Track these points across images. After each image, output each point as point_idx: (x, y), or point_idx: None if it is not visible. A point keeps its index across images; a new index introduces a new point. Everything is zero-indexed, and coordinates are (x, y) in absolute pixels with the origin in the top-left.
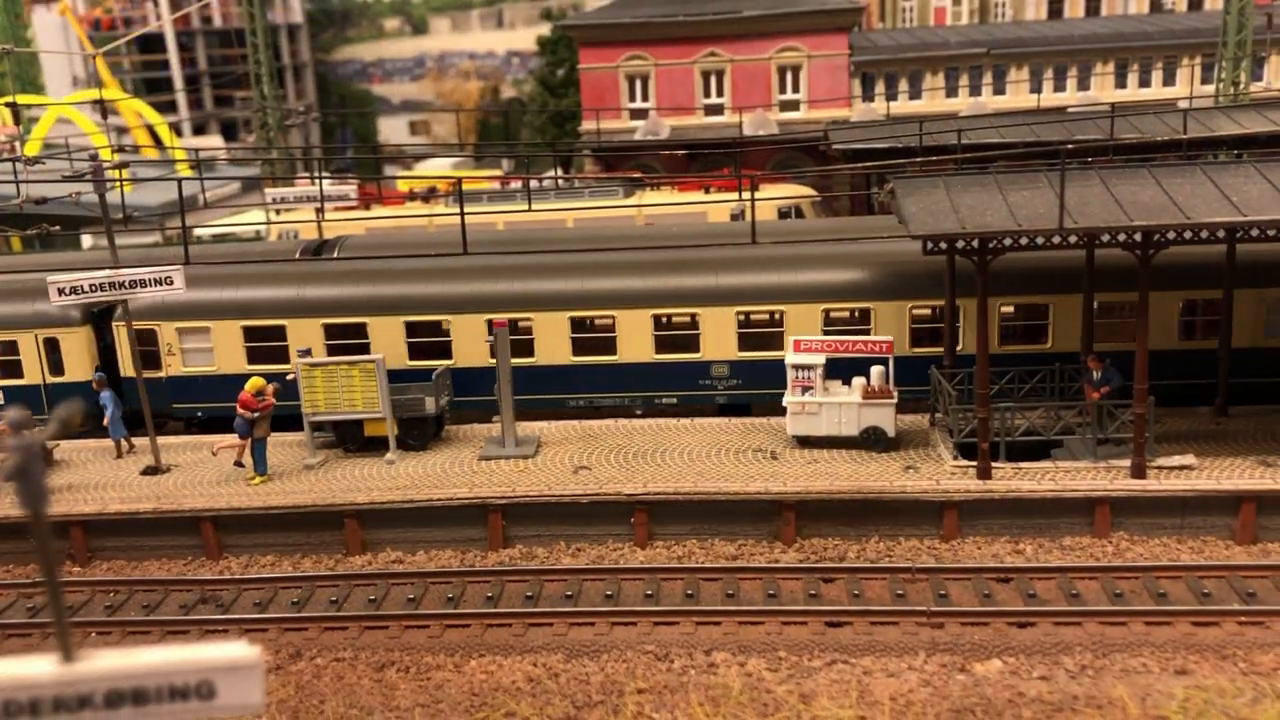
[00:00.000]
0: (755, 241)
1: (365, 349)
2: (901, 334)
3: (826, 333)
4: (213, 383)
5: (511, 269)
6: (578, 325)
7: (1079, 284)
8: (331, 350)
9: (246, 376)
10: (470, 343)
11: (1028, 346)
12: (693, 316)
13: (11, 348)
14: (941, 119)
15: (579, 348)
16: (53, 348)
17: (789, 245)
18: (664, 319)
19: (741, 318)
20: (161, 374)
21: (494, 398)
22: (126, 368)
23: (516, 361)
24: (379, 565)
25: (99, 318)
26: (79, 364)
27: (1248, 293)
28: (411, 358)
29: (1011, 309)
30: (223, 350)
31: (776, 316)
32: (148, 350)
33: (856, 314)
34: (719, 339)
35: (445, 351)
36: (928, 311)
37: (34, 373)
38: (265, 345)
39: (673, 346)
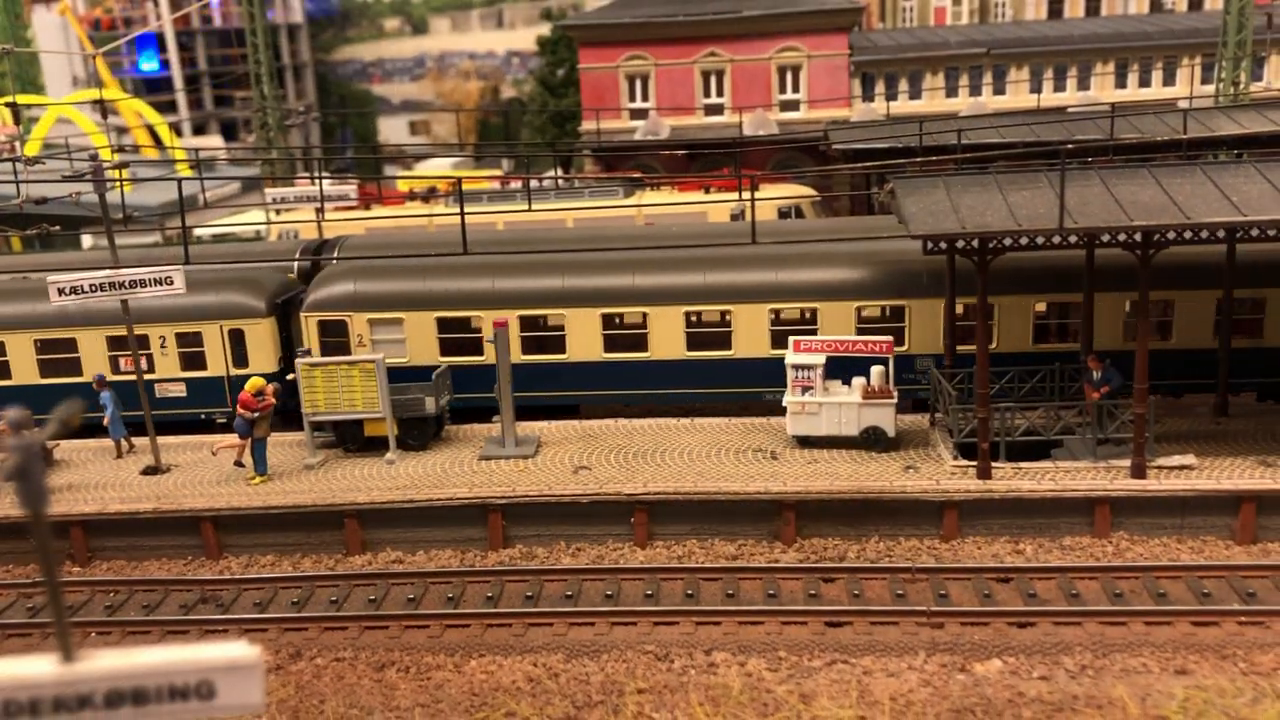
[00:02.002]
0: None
1: (560, 341)
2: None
3: (860, 330)
4: (405, 375)
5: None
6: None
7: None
8: (526, 341)
9: (437, 368)
10: (662, 337)
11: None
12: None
13: (196, 339)
14: (941, 119)
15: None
16: (237, 339)
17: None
18: (777, 314)
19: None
20: None
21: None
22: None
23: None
24: (379, 565)
25: (283, 309)
26: (263, 356)
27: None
28: (606, 350)
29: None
30: (415, 341)
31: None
32: (338, 341)
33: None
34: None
35: (642, 344)
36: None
37: (218, 364)
38: (457, 336)
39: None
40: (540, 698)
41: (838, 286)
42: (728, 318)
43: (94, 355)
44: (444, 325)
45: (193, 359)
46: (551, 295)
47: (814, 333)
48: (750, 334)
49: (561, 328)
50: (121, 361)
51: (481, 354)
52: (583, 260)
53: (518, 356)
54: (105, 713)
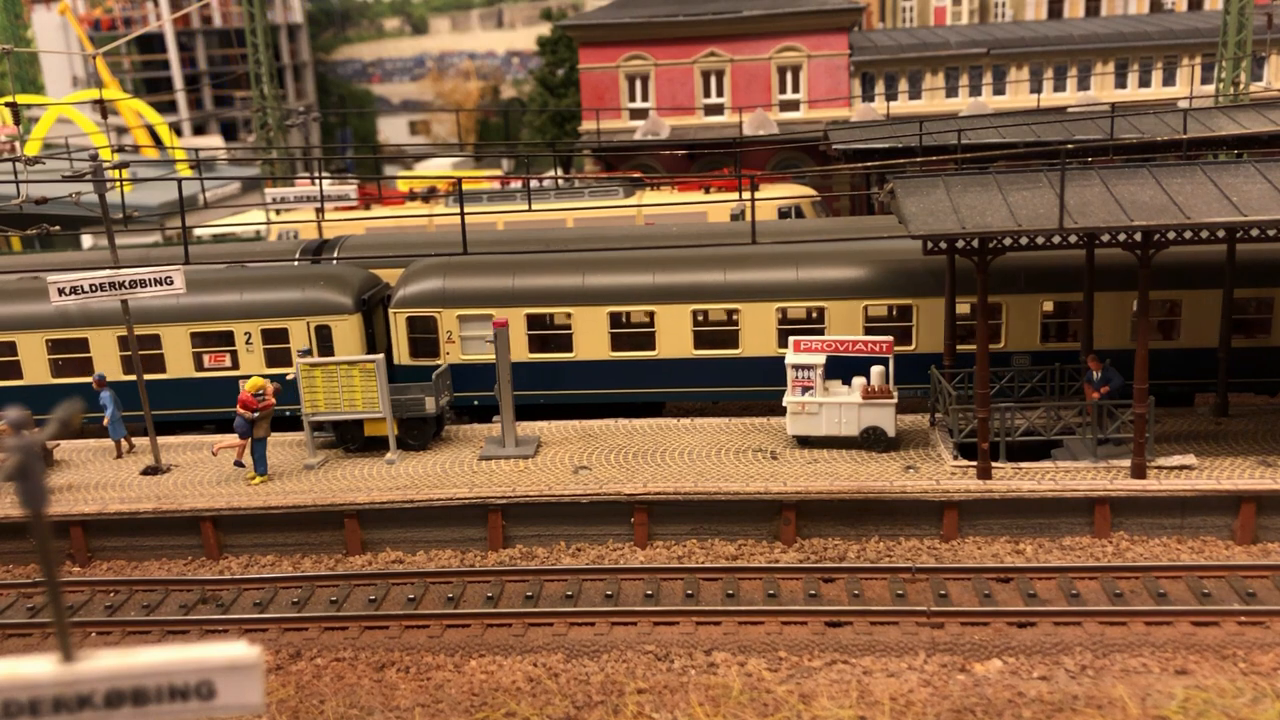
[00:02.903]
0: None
1: (650, 338)
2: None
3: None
4: (493, 371)
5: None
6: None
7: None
8: (615, 339)
9: (527, 365)
10: (752, 335)
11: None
12: (908, 308)
13: (282, 335)
14: (941, 119)
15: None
16: (324, 335)
17: None
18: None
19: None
20: (439, 362)
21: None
22: (400, 355)
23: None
24: (379, 565)
25: (367, 305)
26: (349, 352)
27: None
28: (696, 347)
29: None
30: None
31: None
32: (426, 337)
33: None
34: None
35: (733, 341)
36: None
37: None
38: (547, 333)
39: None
40: (540, 698)
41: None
42: (815, 314)
43: (34, 360)
44: (533, 322)
45: (277, 355)
46: (641, 292)
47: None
48: (846, 328)
49: (651, 324)
50: (206, 358)
51: (570, 350)
52: (674, 257)
53: (605, 353)
54: (105, 713)
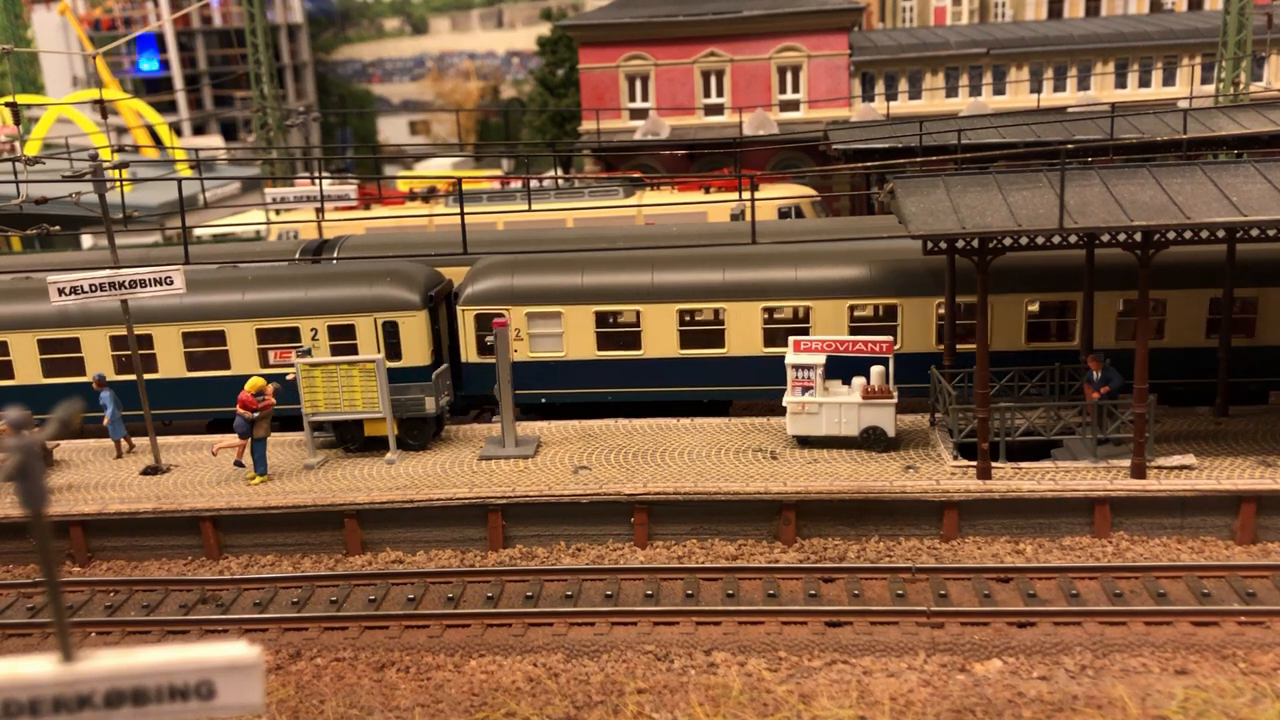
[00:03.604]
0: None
1: (719, 336)
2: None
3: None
4: (561, 369)
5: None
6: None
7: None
8: (684, 336)
9: (596, 363)
10: (824, 329)
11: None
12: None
13: (348, 331)
14: (941, 119)
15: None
16: (390, 331)
17: None
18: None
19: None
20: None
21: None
22: (468, 353)
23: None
24: (379, 565)
25: (434, 301)
26: (417, 348)
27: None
28: (766, 344)
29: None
30: (573, 335)
31: None
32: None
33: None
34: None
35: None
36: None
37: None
38: (616, 331)
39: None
40: (540, 698)
41: None
42: (893, 311)
43: (97, 355)
44: (601, 319)
45: (343, 351)
46: (711, 290)
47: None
48: (917, 330)
49: (719, 322)
50: (271, 355)
51: (639, 348)
52: (744, 254)
53: (674, 350)
54: (105, 713)
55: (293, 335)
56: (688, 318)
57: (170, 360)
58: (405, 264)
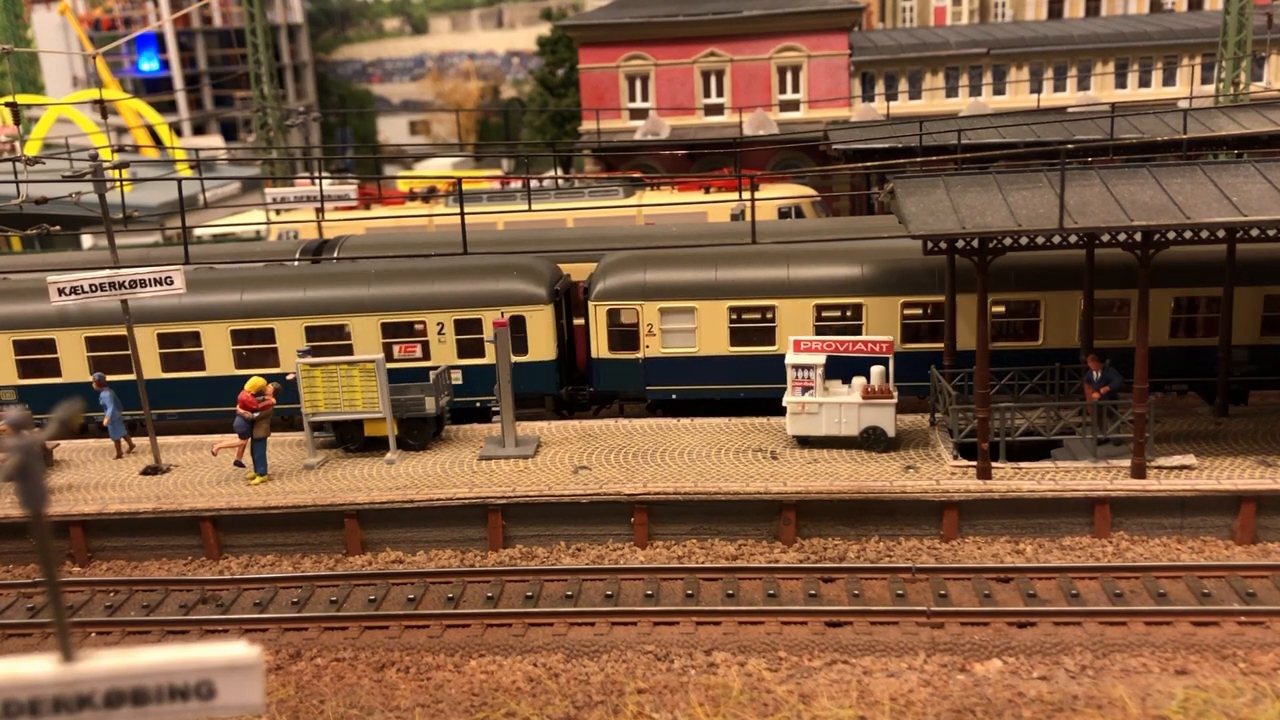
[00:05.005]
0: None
1: (858, 330)
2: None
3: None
4: (693, 365)
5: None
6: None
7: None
8: (819, 331)
9: (729, 359)
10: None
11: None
12: (1035, 303)
13: (475, 325)
14: (941, 119)
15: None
16: (517, 325)
17: None
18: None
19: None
20: (638, 355)
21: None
22: (599, 349)
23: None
24: (379, 565)
25: (559, 296)
26: (543, 343)
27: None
28: (904, 341)
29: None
30: (706, 331)
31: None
32: (626, 330)
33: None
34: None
35: (937, 333)
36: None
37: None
38: (750, 327)
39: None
40: (540, 698)
41: None
42: (1034, 307)
43: (218, 350)
44: (735, 315)
45: (470, 346)
46: (847, 284)
47: None
48: (1061, 324)
49: (858, 318)
50: (395, 349)
51: (774, 344)
52: (880, 248)
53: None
54: (105, 713)
55: (419, 330)
56: (823, 313)
57: (286, 353)
58: (531, 259)
